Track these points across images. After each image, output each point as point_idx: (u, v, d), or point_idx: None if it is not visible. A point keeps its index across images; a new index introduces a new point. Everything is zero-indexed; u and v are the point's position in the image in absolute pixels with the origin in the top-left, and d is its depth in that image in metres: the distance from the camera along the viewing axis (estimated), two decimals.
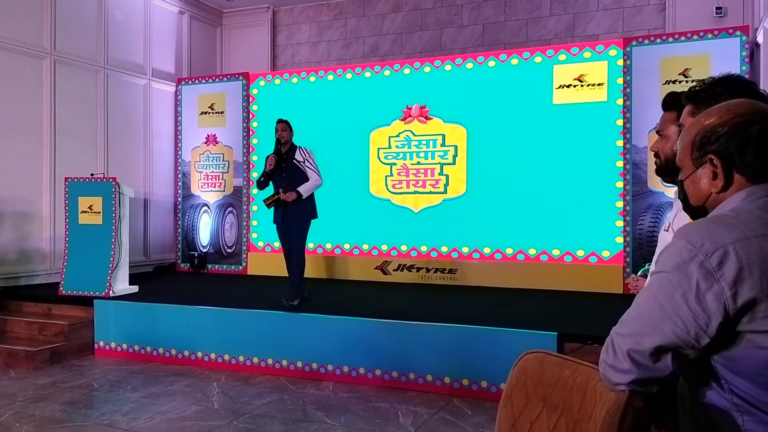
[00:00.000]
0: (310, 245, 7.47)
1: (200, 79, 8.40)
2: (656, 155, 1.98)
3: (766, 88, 1.76)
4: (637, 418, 1.19)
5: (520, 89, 6.72)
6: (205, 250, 8.16)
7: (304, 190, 5.34)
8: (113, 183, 5.98)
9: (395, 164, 7.26)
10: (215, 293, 6.19)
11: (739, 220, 1.19)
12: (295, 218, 5.38)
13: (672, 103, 1.93)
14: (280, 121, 5.48)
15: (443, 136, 7.05)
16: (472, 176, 6.92)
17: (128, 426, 3.82)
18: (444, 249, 6.99)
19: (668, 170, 1.90)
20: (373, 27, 8.45)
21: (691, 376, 1.26)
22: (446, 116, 7.05)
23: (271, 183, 5.47)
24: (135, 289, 6.14)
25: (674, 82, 6.01)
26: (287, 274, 5.60)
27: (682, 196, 1.40)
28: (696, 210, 1.37)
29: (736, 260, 1.13)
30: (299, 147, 5.45)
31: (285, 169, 5.38)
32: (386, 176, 7.30)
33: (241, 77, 8.10)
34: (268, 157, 5.41)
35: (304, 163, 5.38)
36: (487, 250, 6.81)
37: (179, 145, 8.40)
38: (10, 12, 6.43)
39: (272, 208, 5.47)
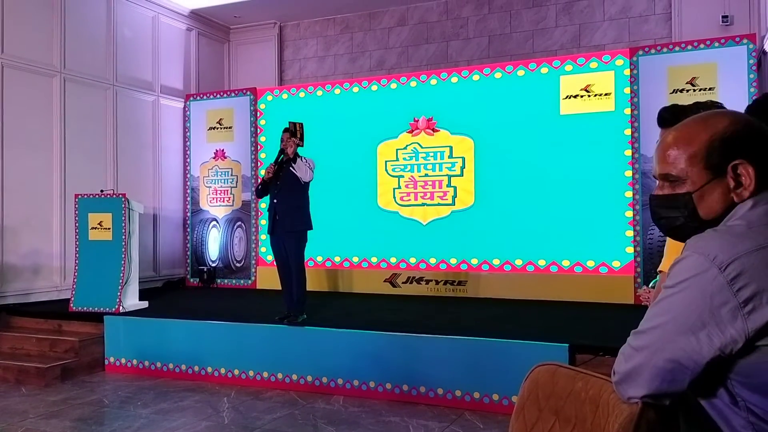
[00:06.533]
0: (318, 258, 7.51)
1: (208, 95, 8.46)
2: None
3: None
4: (650, 430, 1.18)
5: (527, 100, 6.72)
6: (214, 265, 8.18)
7: (299, 166, 5.22)
8: (123, 199, 6.01)
9: (403, 176, 7.26)
10: (225, 308, 6.18)
11: (750, 229, 1.17)
12: (286, 229, 5.25)
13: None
14: (286, 130, 5.32)
15: (450, 148, 7.05)
16: (480, 188, 6.91)
17: None
18: (453, 261, 6.97)
19: None
20: (379, 41, 8.50)
21: (705, 392, 1.23)
22: (453, 128, 7.05)
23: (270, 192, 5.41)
24: (145, 304, 6.15)
25: (681, 91, 5.99)
26: (282, 289, 5.39)
27: (683, 212, 1.26)
28: (693, 229, 1.26)
29: (751, 272, 1.10)
30: (302, 158, 5.30)
31: (281, 177, 5.30)
32: (394, 189, 7.30)
33: (248, 92, 8.15)
34: (269, 166, 5.40)
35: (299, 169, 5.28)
36: (496, 262, 6.79)
37: (188, 160, 8.45)
38: (20, 31, 6.51)
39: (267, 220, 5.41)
